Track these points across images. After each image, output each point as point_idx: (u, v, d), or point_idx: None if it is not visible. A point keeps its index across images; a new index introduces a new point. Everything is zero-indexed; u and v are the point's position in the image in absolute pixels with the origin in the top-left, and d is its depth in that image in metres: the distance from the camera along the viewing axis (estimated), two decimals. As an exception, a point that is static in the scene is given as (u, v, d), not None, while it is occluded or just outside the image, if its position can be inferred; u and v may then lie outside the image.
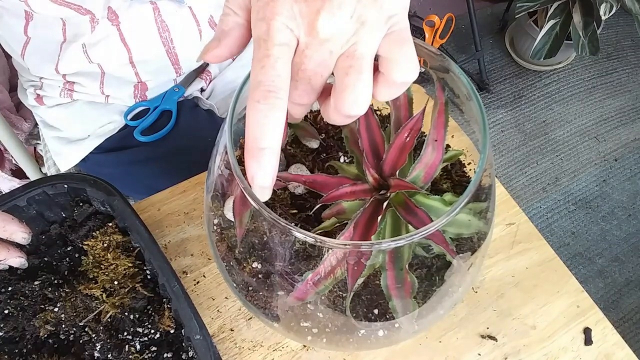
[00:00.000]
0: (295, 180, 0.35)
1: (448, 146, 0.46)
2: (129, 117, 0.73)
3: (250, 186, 0.27)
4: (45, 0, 0.56)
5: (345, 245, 0.29)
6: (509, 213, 0.56)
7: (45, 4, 0.56)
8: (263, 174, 0.26)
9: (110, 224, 0.46)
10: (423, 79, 0.36)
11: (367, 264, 0.33)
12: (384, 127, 0.43)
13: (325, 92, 0.28)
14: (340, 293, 0.35)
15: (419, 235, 0.28)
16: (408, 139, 0.33)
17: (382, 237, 0.34)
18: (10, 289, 0.44)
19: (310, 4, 0.24)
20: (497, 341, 0.49)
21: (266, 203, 0.30)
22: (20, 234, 0.41)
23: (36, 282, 0.44)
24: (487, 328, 0.49)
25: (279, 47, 0.25)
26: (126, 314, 0.42)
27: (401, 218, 0.32)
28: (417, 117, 0.34)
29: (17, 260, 0.42)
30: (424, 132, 0.35)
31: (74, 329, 0.42)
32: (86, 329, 0.42)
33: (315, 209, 0.33)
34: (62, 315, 0.42)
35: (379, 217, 0.31)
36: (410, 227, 0.32)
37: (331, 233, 0.35)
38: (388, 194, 0.32)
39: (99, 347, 0.41)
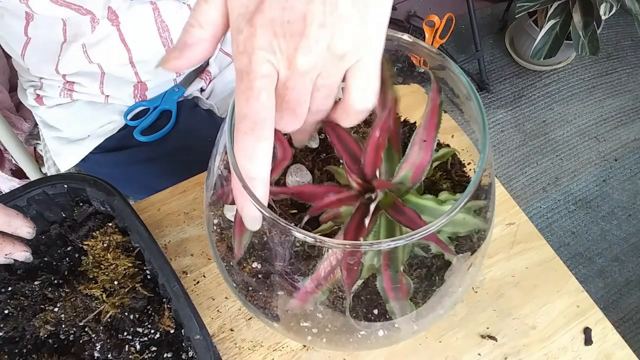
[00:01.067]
0: (282, 193, 0.35)
1: (440, 145, 0.45)
2: (129, 117, 0.73)
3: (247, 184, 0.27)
4: (46, 1, 0.56)
5: (345, 245, 0.29)
6: (509, 213, 0.56)
7: (46, 5, 0.56)
8: (251, 205, 0.27)
9: (110, 224, 0.46)
10: (423, 79, 0.36)
11: (363, 265, 0.33)
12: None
13: None
14: (340, 294, 0.35)
15: (418, 236, 0.28)
16: (380, 138, 0.33)
17: (380, 239, 0.34)
18: (10, 289, 0.44)
19: (289, 41, 0.24)
20: (497, 341, 0.49)
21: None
22: (25, 228, 0.41)
23: (36, 282, 0.44)
24: (487, 328, 0.49)
25: (262, 80, 0.25)
26: (126, 314, 0.42)
27: (391, 219, 0.32)
28: (385, 116, 0.33)
29: (23, 254, 0.42)
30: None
31: (74, 329, 0.42)
32: (86, 329, 0.42)
33: (304, 221, 0.33)
34: (62, 315, 0.42)
35: (367, 219, 0.31)
36: (405, 228, 0.32)
37: (330, 235, 0.35)
38: (373, 196, 0.32)
39: (99, 347, 0.41)
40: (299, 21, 0.24)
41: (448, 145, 0.46)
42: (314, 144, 0.43)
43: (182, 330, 0.42)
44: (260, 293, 0.37)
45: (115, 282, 0.43)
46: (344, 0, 0.25)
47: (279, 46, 0.25)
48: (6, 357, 0.41)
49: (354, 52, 0.26)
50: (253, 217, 0.28)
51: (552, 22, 1.49)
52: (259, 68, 0.25)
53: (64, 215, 0.47)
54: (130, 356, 0.41)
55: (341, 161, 0.40)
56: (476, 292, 0.51)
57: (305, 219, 0.32)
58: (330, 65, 0.26)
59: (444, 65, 0.33)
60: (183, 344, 0.42)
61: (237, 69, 0.26)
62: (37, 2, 0.56)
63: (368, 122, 0.44)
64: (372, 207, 0.31)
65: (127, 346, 0.41)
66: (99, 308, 0.43)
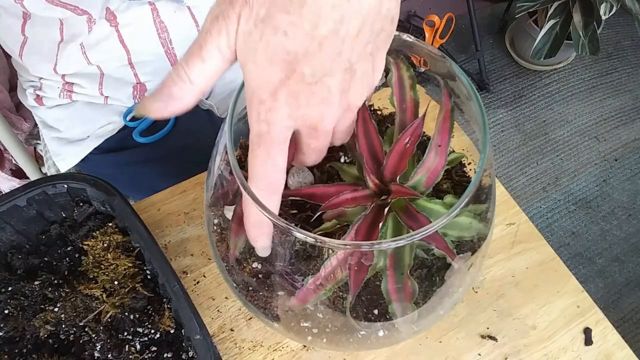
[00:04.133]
0: (295, 196, 0.35)
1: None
2: (128, 117, 0.72)
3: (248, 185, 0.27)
4: (41, 1, 0.56)
5: (345, 245, 0.29)
6: (509, 213, 0.56)
7: (41, 5, 0.56)
8: (265, 238, 0.30)
9: (110, 224, 0.46)
10: (423, 79, 0.36)
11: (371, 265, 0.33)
12: (385, 127, 0.43)
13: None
14: (341, 294, 0.35)
15: (419, 235, 0.28)
16: (408, 144, 0.33)
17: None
18: (10, 289, 0.44)
19: (314, 109, 0.26)
20: (497, 341, 0.49)
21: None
22: None
23: (36, 282, 0.44)
24: (487, 328, 0.49)
25: (279, 146, 0.27)
26: (126, 314, 0.42)
27: (402, 223, 0.32)
28: (418, 123, 0.34)
29: None
30: (429, 136, 0.35)
31: (74, 329, 0.42)
32: (86, 329, 0.42)
33: (316, 215, 0.33)
34: (62, 315, 0.42)
35: (381, 223, 0.31)
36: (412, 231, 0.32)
37: (332, 234, 0.35)
38: (389, 200, 0.32)
39: (99, 347, 0.41)
40: (324, 91, 0.25)
41: (453, 151, 0.46)
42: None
43: (182, 330, 0.42)
44: (261, 293, 0.37)
45: (116, 282, 0.43)
46: (361, 61, 0.26)
47: (302, 116, 0.26)
48: (6, 357, 0.41)
49: (364, 99, 0.29)
50: (264, 248, 0.31)
51: (552, 22, 1.49)
52: (278, 137, 0.27)
53: (64, 215, 0.47)
54: (130, 356, 0.41)
55: (345, 159, 0.40)
56: (476, 292, 0.51)
57: (318, 213, 0.33)
58: (349, 116, 0.29)
59: (450, 71, 0.33)
60: (183, 344, 0.42)
61: (254, 133, 0.27)
62: (33, 2, 0.56)
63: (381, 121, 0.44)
64: (386, 209, 0.31)
65: (127, 346, 0.41)
66: (99, 308, 0.43)
